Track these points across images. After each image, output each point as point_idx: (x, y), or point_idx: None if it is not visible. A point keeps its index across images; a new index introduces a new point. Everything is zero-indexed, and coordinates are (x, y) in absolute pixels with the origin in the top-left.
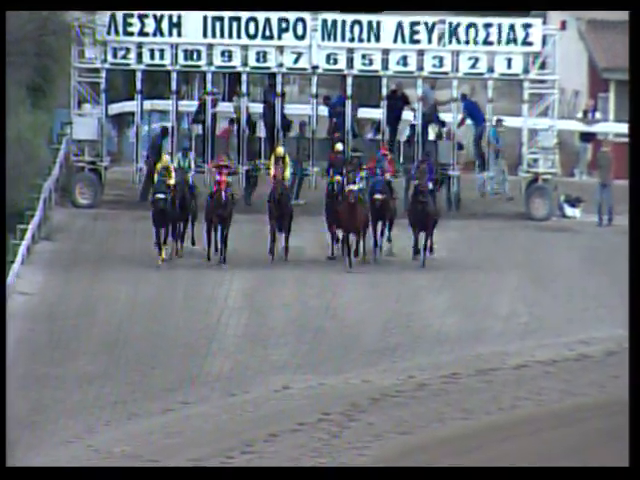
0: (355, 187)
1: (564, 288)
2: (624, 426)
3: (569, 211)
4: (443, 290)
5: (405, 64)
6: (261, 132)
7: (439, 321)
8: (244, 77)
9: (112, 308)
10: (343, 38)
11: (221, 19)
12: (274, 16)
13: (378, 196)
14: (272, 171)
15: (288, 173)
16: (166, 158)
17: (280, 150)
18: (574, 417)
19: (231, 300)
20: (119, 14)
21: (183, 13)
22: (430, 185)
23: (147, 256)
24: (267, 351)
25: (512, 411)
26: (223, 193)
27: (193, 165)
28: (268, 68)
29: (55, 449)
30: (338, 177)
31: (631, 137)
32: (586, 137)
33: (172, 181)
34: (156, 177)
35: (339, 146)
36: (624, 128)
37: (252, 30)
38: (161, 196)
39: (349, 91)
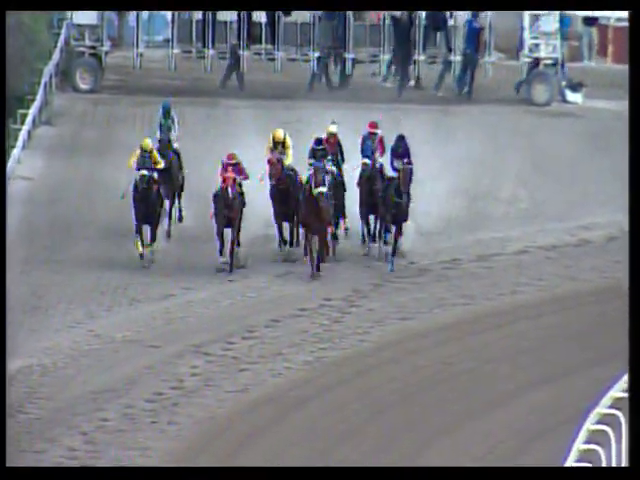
0: (325, 188)
1: (565, 173)
2: (624, 311)
3: (571, 96)
4: (443, 176)
5: None
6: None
7: (439, 207)
8: None
9: (113, 193)
10: None
11: None
12: None
13: (366, 160)
14: (268, 155)
15: (290, 159)
16: (147, 141)
17: (279, 133)
18: (575, 302)
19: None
20: None
21: None
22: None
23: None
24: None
25: (513, 296)
26: (230, 190)
27: (177, 126)
28: None
29: (57, 334)
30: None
31: (631, 136)
32: (589, 21)
33: (161, 165)
34: (137, 158)
35: (333, 128)
36: (625, 12)
37: None
38: (145, 172)
39: None
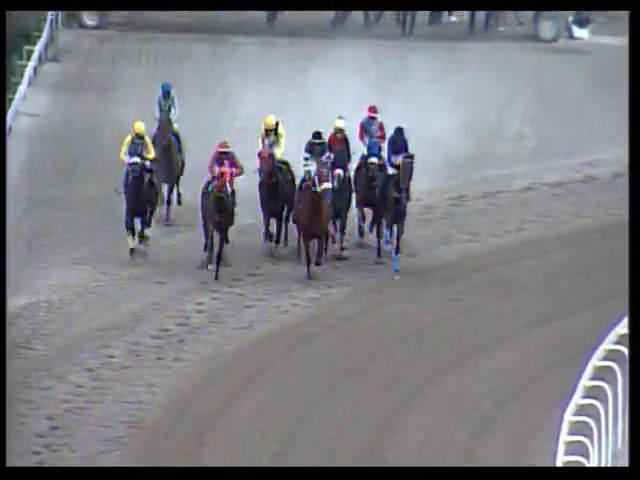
0: (329, 184)
1: (572, 110)
2: (626, 248)
3: (577, 32)
4: (452, 112)
5: None
6: None
7: (446, 144)
8: None
9: (119, 131)
10: None
11: None
12: None
13: (374, 159)
14: (260, 145)
15: (282, 149)
16: (140, 125)
17: (271, 120)
18: (581, 239)
19: None
20: None
21: None
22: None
23: (154, 78)
24: None
25: (518, 233)
26: (222, 190)
27: (177, 106)
28: None
29: (62, 271)
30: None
31: (631, 137)
32: None
33: (152, 155)
34: (129, 145)
35: (340, 123)
36: None
37: None
38: (137, 160)
39: None
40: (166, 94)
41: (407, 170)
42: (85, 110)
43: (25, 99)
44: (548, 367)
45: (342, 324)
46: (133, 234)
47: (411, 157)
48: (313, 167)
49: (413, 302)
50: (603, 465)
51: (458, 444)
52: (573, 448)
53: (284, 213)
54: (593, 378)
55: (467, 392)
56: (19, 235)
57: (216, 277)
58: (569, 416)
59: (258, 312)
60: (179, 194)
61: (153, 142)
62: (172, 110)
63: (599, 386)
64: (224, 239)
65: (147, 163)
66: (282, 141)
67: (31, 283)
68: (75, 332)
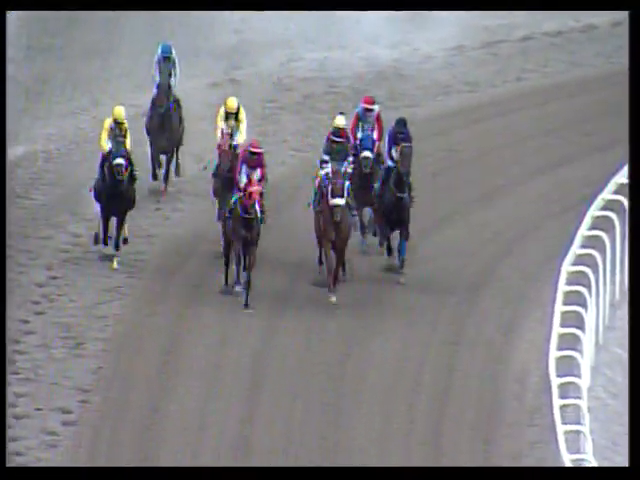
0: (342, 201)
1: None
2: (625, 97)
3: None
4: None
5: None
6: None
7: None
8: None
9: None
10: None
11: None
12: None
13: (368, 154)
14: (219, 133)
15: (244, 136)
16: (120, 111)
17: (233, 102)
18: (579, 88)
19: None
20: None
21: None
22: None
23: None
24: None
25: (518, 83)
26: (250, 212)
27: (178, 70)
28: None
29: (61, 120)
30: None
31: (631, 137)
32: None
33: (128, 143)
34: (108, 135)
35: (340, 120)
36: None
37: None
38: (121, 162)
39: None
40: (166, 58)
41: (406, 156)
42: None
43: None
44: (547, 216)
45: None
46: (106, 242)
47: (409, 142)
48: (328, 171)
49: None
50: (601, 315)
51: (457, 296)
52: (572, 298)
53: None
54: (592, 228)
55: (465, 242)
56: (17, 84)
57: (246, 305)
58: (567, 266)
59: None
60: (177, 164)
61: (151, 109)
62: (173, 74)
63: (597, 236)
64: (249, 261)
65: (130, 162)
66: (243, 127)
67: (29, 133)
68: (73, 182)
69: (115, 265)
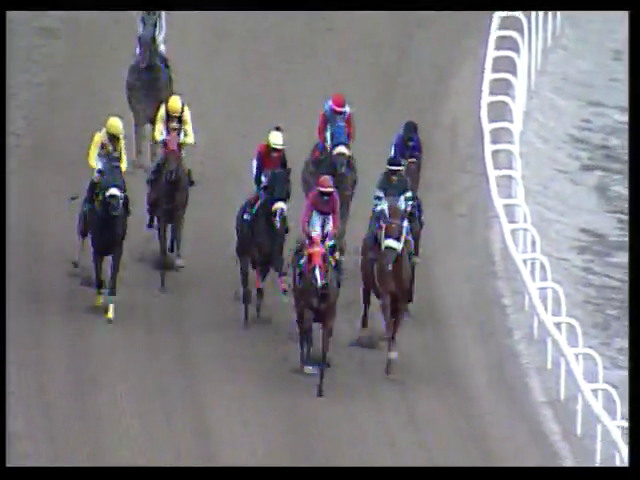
0: (398, 245)
1: None
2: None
3: None
4: None
5: None
6: None
7: None
8: None
9: None
10: None
11: None
12: None
13: (342, 149)
14: (157, 134)
15: (192, 139)
16: (116, 122)
17: (176, 103)
18: None
19: None
20: None
21: None
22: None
23: None
24: None
25: None
26: (321, 277)
27: (164, 24)
28: None
29: None
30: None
31: (631, 137)
32: None
33: (124, 165)
34: (97, 155)
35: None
36: None
37: None
38: (117, 193)
39: None
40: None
41: (412, 174)
42: None
43: None
44: None
45: None
46: (100, 286)
47: (418, 151)
48: (385, 209)
49: None
50: (533, 60)
51: None
52: (505, 43)
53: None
54: None
55: None
56: None
57: (319, 393)
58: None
59: None
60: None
61: (133, 68)
62: (158, 27)
63: None
64: (327, 333)
65: (125, 193)
66: (189, 129)
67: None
68: None
69: (111, 314)
